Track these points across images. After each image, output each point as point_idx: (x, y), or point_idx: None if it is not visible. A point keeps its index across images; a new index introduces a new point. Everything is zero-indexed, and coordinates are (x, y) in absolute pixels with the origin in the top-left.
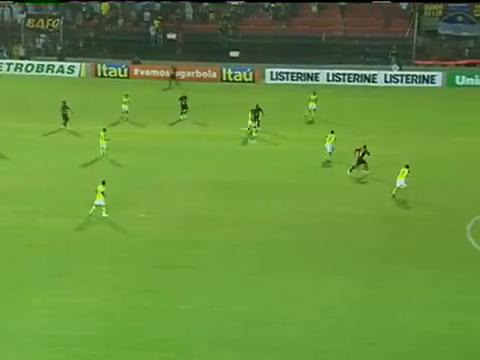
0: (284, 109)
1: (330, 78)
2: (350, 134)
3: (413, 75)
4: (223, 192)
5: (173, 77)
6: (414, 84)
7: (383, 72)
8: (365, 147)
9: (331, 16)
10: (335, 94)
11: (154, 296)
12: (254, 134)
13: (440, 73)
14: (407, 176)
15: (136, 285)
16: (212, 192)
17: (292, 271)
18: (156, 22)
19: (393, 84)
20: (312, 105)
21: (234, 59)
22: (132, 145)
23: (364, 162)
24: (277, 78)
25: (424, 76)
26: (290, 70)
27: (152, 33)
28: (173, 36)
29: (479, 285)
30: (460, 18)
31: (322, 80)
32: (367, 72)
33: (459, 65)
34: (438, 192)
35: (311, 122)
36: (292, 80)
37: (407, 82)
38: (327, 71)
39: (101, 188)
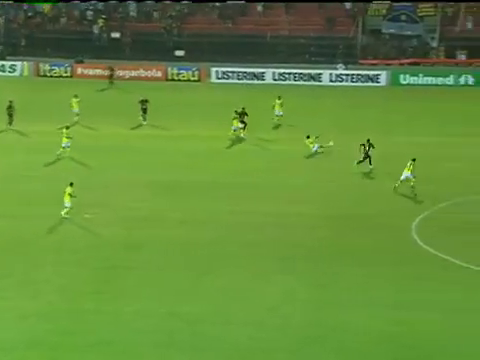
0: (229, 108)
1: (276, 77)
2: (298, 133)
3: (358, 74)
4: (168, 192)
5: (111, 77)
6: (359, 83)
7: (328, 71)
8: (369, 141)
9: (276, 15)
10: (281, 93)
11: (99, 298)
12: (242, 135)
13: (384, 72)
14: (413, 169)
15: (80, 287)
16: (157, 192)
17: (239, 271)
18: (100, 21)
19: (338, 83)
20: (278, 110)
21: (179, 58)
22: (79, 145)
23: (369, 157)
24: (223, 77)
25: (369, 75)
26: (236, 69)
27: (96, 32)
28: (117, 35)
29: (424, 283)
30: (404, 17)
31: (268, 79)
32: (312, 71)
33: (403, 64)
34: (384, 191)
35: (277, 127)
36: (238, 79)
37: (352, 81)
38: (273, 70)
39: (69, 190)
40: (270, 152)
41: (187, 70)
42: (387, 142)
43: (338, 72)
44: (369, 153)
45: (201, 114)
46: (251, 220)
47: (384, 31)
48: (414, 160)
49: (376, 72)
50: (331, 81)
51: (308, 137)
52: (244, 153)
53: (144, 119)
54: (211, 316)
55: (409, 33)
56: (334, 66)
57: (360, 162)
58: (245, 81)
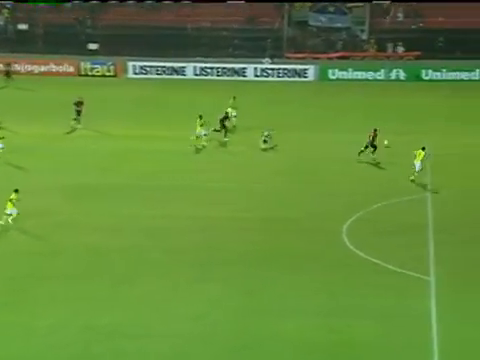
0: (147, 105)
1: (197, 72)
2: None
3: (284, 69)
4: (83, 196)
5: (8, 73)
6: (286, 78)
7: (253, 65)
8: (375, 131)
9: (198, 6)
10: (203, 89)
11: (10, 311)
12: (204, 143)
13: (312, 67)
14: (423, 158)
15: None
16: (72, 196)
17: (160, 279)
18: (5, 11)
19: (263, 78)
20: (232, 112)
21: (93, 52)
22: None
23: (376, 147)
24: (140, 72)
25: (296, 70)
26: (154, 64)
27: (1, 23)
28: (24, 26)
29: (356, 289)
30: (332, 9)
31: (189, 74)
32: (236, 66)
33: (332, 58)
34: (313, 193)
35: (232, 129)
36: (157, 74)
37: (278, 76)
38: (194, 64)
39: (14, 196)
40: (191, 152)
41: (102, 65)
42: (315, 141)
43: (263, 66)
44: (375, 143)
45: (117, 112)
46: (172, 225)
47: (311, 23)
48: (424, 148)
49: (303, 66)
50: (256, 76)
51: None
52: (164, 153)
53: (78, 122)
54: (131, 328)
55: (338, 25)
56: (259, 60)
57: (373, 152)
58: (164, 76)
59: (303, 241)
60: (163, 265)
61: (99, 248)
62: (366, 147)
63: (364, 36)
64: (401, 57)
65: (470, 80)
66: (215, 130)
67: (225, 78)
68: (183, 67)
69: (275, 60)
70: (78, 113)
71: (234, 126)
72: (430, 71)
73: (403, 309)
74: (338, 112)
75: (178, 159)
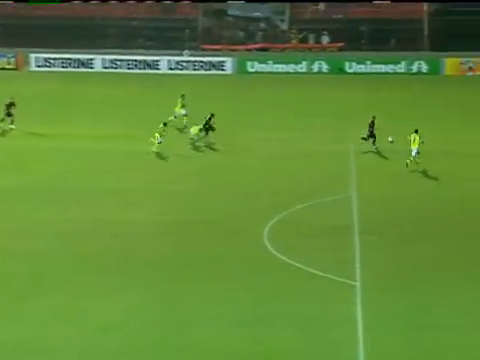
0: (53, 101)
1: (106, 65)
2: (129, 128)
3: (200, 61)
4: None
5: None
6: (202, 71)
7: (167, 58)
8: (374, 118)
9: None
10: (112, 83)
11: None
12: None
13: (230, 59)
14: (419, 143)
15: None
16: None
17: (70, 288)
18: None
19: (178, 71)
20: (180, 110)
21: None
22: None
23: (374, 137)
24: (44, 65)
25: (212, 62)
26: (59, 56)
27: None
28: None
29: (279, 295)
30: None
31: (97, 67)
32: (149, 58)
33: (250, 50)
34: (233, 193)
35: (183, 129)
36: (62, 67)
37: (194, 69)
38: (102, 57)
39: None
40: (99, 151)
41: (1, 57)
42: (235, 138)
43: (177, 59)
44: (374, 132)
45: (20, 108)
46: (80, 229)
47: (229, 13)
48: (417, 131)
49: (220, 59)
50: (170, 69)
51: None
52: (74, 153)
53: (11, 122)
54: (38, 342)
55: (257, 15)
56: (173, 52)
57: (364, 139)
58: (70, 69)
59: (223, 245)
60: (74, 273)
61: (3, 255)
62: (368, 136)
63: (284, 26)
64: (324, 49)
65: (395, 73)
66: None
67: (137, 71)
68: (91, 59)
69: (185, 52)
70: (8, 114)
71: (185, 126)
72: (354, 64)
73: (328, 316)
74: (258, 107)
75: (89, 158)
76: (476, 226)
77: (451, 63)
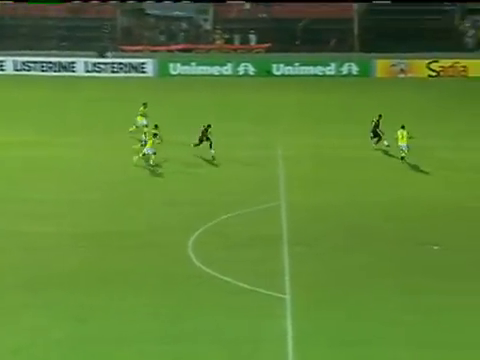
0: None
1: (18, 67)
2: (42, 135)
3: (119, 63)
4: None
5: None
6: (121, 74)
7: (83, 59)
8: (380, 117)
9: None
10: (25, 86)
11: None
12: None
13: (151, 60)
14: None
15: None
16: None
17: None
18: None
19: (96, 74)
20: (141, 120)
21: None
22: None
23: (379, 136)
24: None
25: (132, 64)
26: None
27: None
28: None
29: (204, 310)
30: None
31: (8, 70)
32: (64, 59)
33: (172, 51)
34: (154, 202)
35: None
36: None
37: (113, 71)
38: (13, 58)
39: None
40: (9, 158)
41: None
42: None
43: (94, 61)
44: (378, 131)
45: None
46: None
47: (149, 12)
48: (403, 127)
49: (141, 60)
50: (87, 71)
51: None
52: None
53: None
54: None
55: (178, 14)
56: (89, 53)
57: (377, 140)
58: None
59: (143, 258)
60: None
61: None
62: (374, 136)
63: (208, 26)
64: (250, 50)
65: (325, 75)
66: None
67: (51, 74)
68: (1, 61)
69: (108, 53)
70: None
71: (145, 136)
72: (282, 65)
73: (256, 332)
74: (181, 111)
75: None
76: (403, 234)
77: (382, 65)
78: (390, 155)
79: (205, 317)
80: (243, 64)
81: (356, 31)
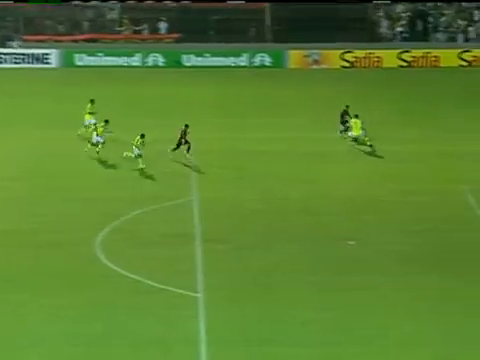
0: None
1: None
2: None
3: (21, 54)
4: None
5: None
6: (24, 65)
7: None
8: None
9: None
10: None
11: None
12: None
13: (55, 51)
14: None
15: None
16: None
17: None
18: None
19: None
20: (89, 119)
21: None
22: None
23: (347, 127)
24: None
25: (35, 55)
26: None
27: None
28: None
29: (114, 311)
30: None
31: None
32: None
33: (77, 41)
34: (59, 199)
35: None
36: None
37: (15, 62)
38: None
39: None
40: None
41: None
42: (61, 138)
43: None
44: (346, 122)
45: None
46: None
47: None
48: (357, 116)
49: (44, 51)
50: None
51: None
52: None
53: None
54: None
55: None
56: None
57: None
58: None
59: (47, 258)
60: None
61: None
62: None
63: (115, 15)
64: (159, 40)
65: (237, 66)
66: None
67: None
68: None
69: (14, 43)
70: None
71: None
72: (192, 56)
73: (168, 332)
74: (86, 105)
75: None
76: (319, 229)
77: (295, 56)
78: (303, 149)
79: (114, 318)
80: (152, 55)
81: (268, 21)
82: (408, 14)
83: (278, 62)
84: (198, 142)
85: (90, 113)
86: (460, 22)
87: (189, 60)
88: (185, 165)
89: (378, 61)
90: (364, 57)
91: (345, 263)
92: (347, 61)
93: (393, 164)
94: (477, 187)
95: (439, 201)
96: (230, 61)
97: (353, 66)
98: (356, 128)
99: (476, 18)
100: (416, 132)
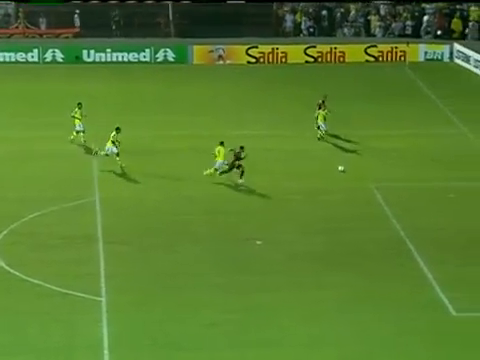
0: None
1: None
2: None
3: None
4: None
5: None
6: None
7: None
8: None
9: None
10: None
11: None
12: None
13: None
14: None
15: None
16: None
17: None
18: None
19: None
20: (78, 123)
21: None
22: None
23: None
24: None
25: None
26: None
27: None
28: None
29: (12, 318)
30: None
31: None
32: None
33: None
34: None
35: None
36: None
37: None
38: None
39: None
40: None
41: None
42: None
43: None
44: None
45: None
46: None
47: None
48: (320, 107)
49: None
50: None
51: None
52: None
53: None
54: None
55: None
56: None
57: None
58: None
59: None
60: None
61: None
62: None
63: (10, 10)
64: (58, 35)
65: (139, 62)
66: None
67: None
68: None
69: None
70: None
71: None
72: (92, 51)
73: (70, 338)
74: None
75: None
76: (224, 229)
77: (199, 51)
78: (208, 147)
79: (14, 324)
80: (50, 50)
81: (171, 16)
82: (314, 9)
83: (182, 57)
84: (99, 140)
85: (78, 118)
86: (370, 18)
87: (89, 56)
88: (86, 163)
89: (284, 57)
90: (270, 52)
91: (251, 264)
92: (253, 56)
93: (300, 162)
94: (384, 184)
95: (346, 199)
96: (132, 57)
97: (259, 62)
98: (319, 118)
99: (382, 12)
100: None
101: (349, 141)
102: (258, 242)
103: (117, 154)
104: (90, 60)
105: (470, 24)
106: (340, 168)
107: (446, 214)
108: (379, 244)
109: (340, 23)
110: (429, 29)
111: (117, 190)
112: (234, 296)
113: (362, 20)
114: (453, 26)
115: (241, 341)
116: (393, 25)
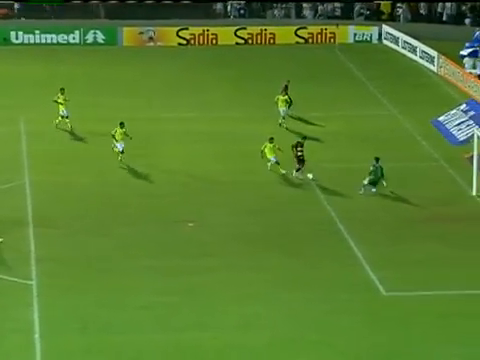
0: None
1: None
2: None
3: None
4: None
5: None
6: None
7: None
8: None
9: None
10: None
11: None
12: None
13: None
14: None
15: None
16: None
17: None
18: None
19: None
20: (62, 109)
21: None
22: None
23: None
24: None
25: None
26: None
27: None
28: None
29: None
30: None
31: None
32: None
33: None
34: None
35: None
36: None
37: None
38: None
39: None
40: None
41: None
42: None
43: None
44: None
45: None
46: None
47: None
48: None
49: None
50: None
51: None
52: None
53: None
54: None
55: None
56: None
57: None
58: None
59: None
60: None
61: None
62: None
63: None
64: None
65: (69, 44)
66: None
67: None
68: None
69: None
70: None
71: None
72: (21, 33)
73: (2, 322)
74: None
75: None
76: (157, 212)
77: (129, 33)
78: (138, 129)
79: None
80: None
81: None
82: None
83: (111, 39)
84: (29, 123)
85: (61, 103)
86: None
87: (18, 37)
88: (16, 146)
89: (214, 38)
90: (200, 34)
91: (184, 246)
92: (183, 38)
93: (229, 144)
94: (316, 165)
95: (277, 181)
96: (61, 38)
97: (189, 43)
98: (282, 103)
99: None
100: (252, 111)
101: (280, 124)
102: (190, 224)
103: (122, 151)
104: (18, 42)
105: (402, 5)
106: (309, 176)
107: (376, 195)
108: (310, 225)
109: (270, 5)
110: (362, 11)
111: (48, 173)
112: (167, 279)
113: (292, 2)
114: (382, 7)
115: (174, 324)
116: (321, 7)
